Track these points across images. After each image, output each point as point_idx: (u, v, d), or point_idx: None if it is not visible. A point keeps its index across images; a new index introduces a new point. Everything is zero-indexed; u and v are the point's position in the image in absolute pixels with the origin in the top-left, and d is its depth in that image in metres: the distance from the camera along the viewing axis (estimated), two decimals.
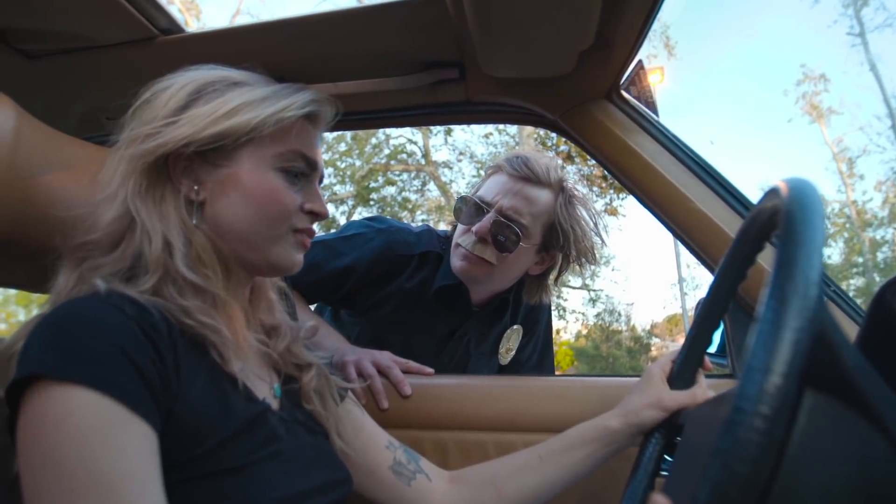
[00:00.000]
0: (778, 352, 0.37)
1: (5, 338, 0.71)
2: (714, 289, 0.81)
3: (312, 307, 1.45)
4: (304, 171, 0.78)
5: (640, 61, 1.09)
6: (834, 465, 0.42)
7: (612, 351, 15.63)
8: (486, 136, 13.42)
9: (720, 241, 1.05)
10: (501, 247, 1.26)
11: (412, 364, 1.20)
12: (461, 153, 13.60)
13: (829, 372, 0.44)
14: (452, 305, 1.38)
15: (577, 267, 1.35)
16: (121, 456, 0.55)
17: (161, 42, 1.06)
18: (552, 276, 1.40)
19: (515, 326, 1.49)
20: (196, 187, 0.74)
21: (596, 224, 1.32)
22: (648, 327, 16.98)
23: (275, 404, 0.76)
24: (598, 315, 15.47)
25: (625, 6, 0.90)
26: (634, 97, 1.14)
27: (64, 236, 0.70)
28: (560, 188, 1.27)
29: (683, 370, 0.89)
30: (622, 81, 1.10)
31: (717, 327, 0.85)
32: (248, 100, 0.74)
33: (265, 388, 0.76)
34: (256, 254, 0.76)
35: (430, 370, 1.19)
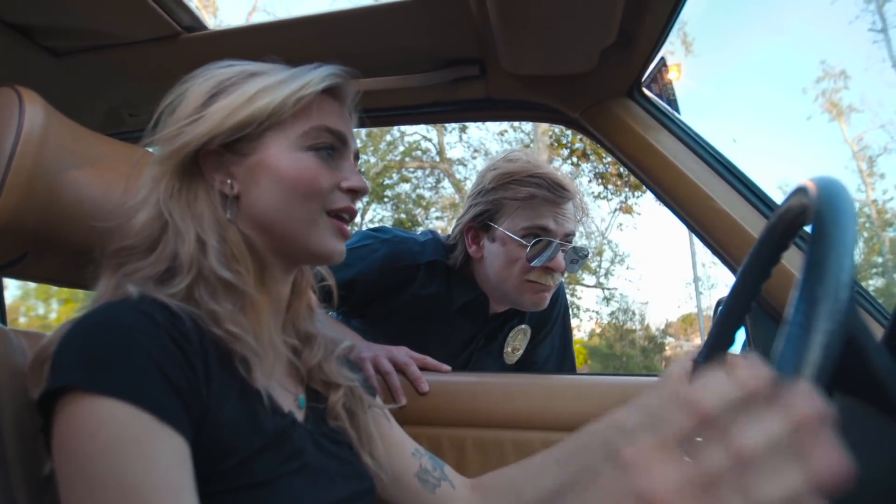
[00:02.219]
0: (808, 355, 0.37)
1: (42, 333, 0.72)
2: (737, 287, 0.80)
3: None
4: (333, 146, 0.76)
5: (662, 58, 1.09)
6: (864, 470, 0.42)
7: (626, 350, 15.54)
8: (501, 133, 13.40)
9: (742, 240, 1.04)
10: (569, 269, 1.29)
11: (429, 360, 1.19)
12: (476, 150, 13.59)
13: (858, 375, 0.44)
14: (471, 314, 1.39)
15: None
16: (153, 467, 0.55)
17: (184, 39, 1.07)
18: None
19: (522, 326, 1.47)
20: (229, 181, 0.73)
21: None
22: (663, 326, 16.85)
23: (300, 416, 0.75)
24: (612, 314, 15.40)
25: (648, 3, 0.89)
26: (656, 94, 1.13)
27: (102, 242, 0.70)
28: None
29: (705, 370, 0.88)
30: (644, 79, 1.10)
31: (739, 327, 0.84)
32: (265, 85, 0.73)
33: (290, 400, 0.75)
34: (294, 242, 0.74)
35: (447, 367, 1.19)
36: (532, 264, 1.24)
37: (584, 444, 0.91)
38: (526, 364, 1.50)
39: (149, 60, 1.11)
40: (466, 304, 1.36)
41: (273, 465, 0.65)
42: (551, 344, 1.54)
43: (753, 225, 1.04)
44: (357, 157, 0.81)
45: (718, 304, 1.26)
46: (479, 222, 1.31)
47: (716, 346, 0.88)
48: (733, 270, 1.08)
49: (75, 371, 0.57)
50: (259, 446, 0.64)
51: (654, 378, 1.16)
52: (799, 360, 0.37)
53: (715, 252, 1.10)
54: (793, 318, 0.39)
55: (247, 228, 0.73)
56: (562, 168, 12.97)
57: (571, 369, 1.59)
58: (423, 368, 1.18)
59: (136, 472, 0.54)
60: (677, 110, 1.14)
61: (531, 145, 12.76)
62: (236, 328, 0.66)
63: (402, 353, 1.19)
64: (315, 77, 0.75)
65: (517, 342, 1.47)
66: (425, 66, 1.12)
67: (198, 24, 1.07)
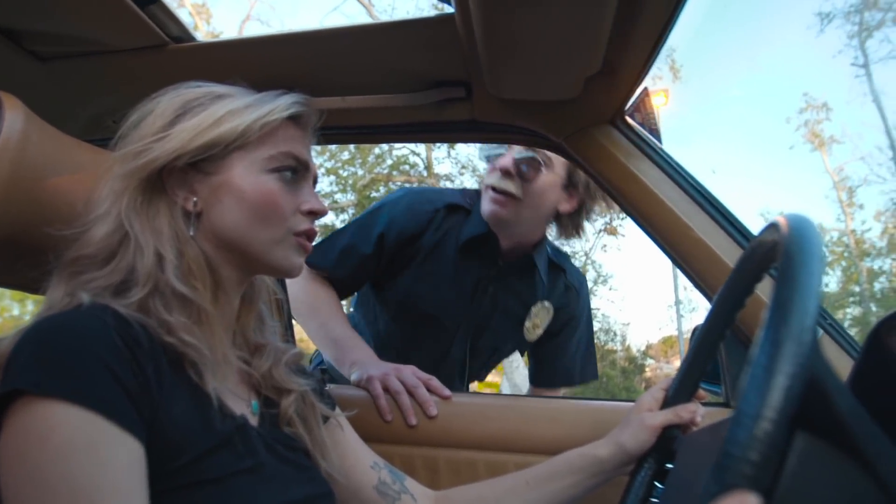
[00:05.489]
0: (769, 397, 0.38)
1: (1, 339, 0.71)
2: (711, 317, 0.81)
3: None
4: (296, 171, 0.79)
5: (645, 88, 1.10)
6: None
7: (607, 370, 15.57)
8: None
9: (719, 269, 1.05)
10: (525, 177, 1.32)
11: (434, 382, 1.19)
12: (463, 167, 13.63)
13: (821, 415, 0.44)
14: (479, 255, 1.41)
15: (601, 207, 1.41)
16: (105, 471, 0.56)
17: (171, 50, 1.07)
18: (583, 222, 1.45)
19: (546, 303, 1.49)
20: (193, 198, 0.75)
21: None
22: (644, 348, 16.94)
23: (253, 420, 0.76)
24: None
25: (633, 34, 0.91)
26: (639, 123, 1.14)
27: (57, 251, 0.71)
28: None
29: (677, 399, 0.89)
30: (627, 107, 1.11)
31: (713, 356, 0.85)
32: (232, 108, 0.76)
33: (242, 406, 0.76)
34: (256, 257, 0.77)
35: (448, 393, 1.18)
36: (490, 165, 1.36)
37: (557, 471, 0.91)
38: (554, 355, 1.54)
39: (135, 69, 1.10)
40: (474, 240, 1.39)
41: (224, 464, 0.65)
42: (578, 342, 1.56)
43: (730, 255, 1.05)
44: (316, 181, 0.84)
45: (695, 330, 1.28)
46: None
47: (688, 375, 0.89)
48: (709, 299, 1.09)
49: (26, 375, 0.57)
50: (210, 446, 0.65)
51: (626, 404, 1.16)
52: (761, 401, 0.38)
53: (692, 280, 1.11)
54: (757, 358, 0.40)
55: (206, 244, 0.75)
56: None
57: (593, 374, 1.60)
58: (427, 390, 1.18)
59: (89, 475, 0.55)
60: (659, 139, 1.15)
61: None
62: (190, 337, 0.68)
63: (409, 373, 1.19)
64: (281, 104, 0.78)
65: (539, 318, 1.50)
66: (412, 86, 1.12)
67: (186, 35, 1.07)
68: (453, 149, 13.01)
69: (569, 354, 1.56)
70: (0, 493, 0.56)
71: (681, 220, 1.08)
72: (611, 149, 1.13)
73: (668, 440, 0.86)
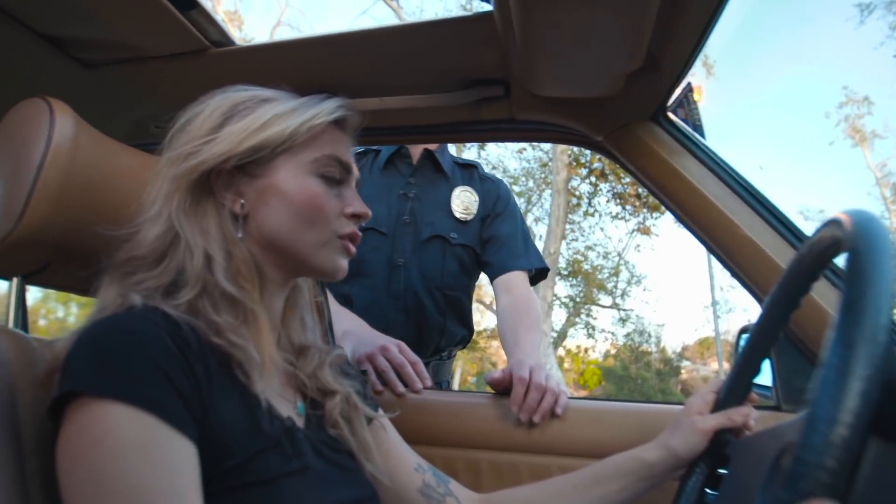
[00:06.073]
0: (845, 401, 0.36)
1: (55, 340, 0.73)
2: (764, 317, 0.78)
3: None
4: (339, 176, 0.81)
5: (689, 83, 1.08)
6: None
7: (641, 372, 15.37)
8: (520, 151, 13.43)
9: (768, 268, 1.02)
10: None
11: (419, 367, 1.25)
12: (494, 167, 13.62)
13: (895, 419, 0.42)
14: (397, 166, 1.70)
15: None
16: (160, 471, 0.56)
17: (212, 54, 1.08)
18: None
19: (466, 188, 1.69)
20: (240, 200, 0.77)
21: None
22: (679, 350, 16.67)
23: (300, 422, 0.76)
24: (627, 335, 15.26)
25: (677, 26, 0.89)
26: (682, 119, 1.12)
27: (108, 253, 0.73)
28: None
29: (728, 402, 0.86)
30: (670, 103, 1.09)
31: (766, 357, 0.83)
32: (279, 112, 0.77)
33: (289, 407, 0.77)
34: (301, 259, 0.78)
35: (420, 386, 1.22)
36: None
37: (604, 474, 0.89)
38: (498, 242, 1.66)
39: (177, 74, 1.12)
40: (392, 156, 1.70)
41: (274, 466, 0.66)
42: (515, 227, 1.69)
43: (780, 253, 1.02)
44: (358, 184, 0.85)
45: (742, 331, 1.24)
46: None
47: (740, 377, 0.87)
48: (758, 298, 1.06)
49: (83, 377, 0.58)
50: (259, 447, 0.65)
51: (674, 407, 1.13)
52: (836, 405, 0.36)
53: (739, 279, 1.08)
54: (828, 360, 0.38)
55: (253, 246, 0.77)
56: (580, 187, 12.97)
57: (540, 260, 1.70)
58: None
59: (145, 476, 0.56)
60: (702, 135, 1.12)
61: (549, 164, 12.76)
62: (237, 338, 0.69)
63: (397, 351, 1.25)
64: (326, 108, 0.80)
65: (462, 200, 1.68)
66: (449, 86, 1.12)
67: (226, 39, 1.08)
68: (483, 149, 13.01)
69: (512, 238, 1.67)
70: (60, 493, 0.57)
71: (727, 218, 1.05)
72: (653, 146, 1.10)
73: (721, 444, 0.83)
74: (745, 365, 0.84)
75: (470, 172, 1.75)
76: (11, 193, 0.77)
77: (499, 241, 1.66)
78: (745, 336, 1.25)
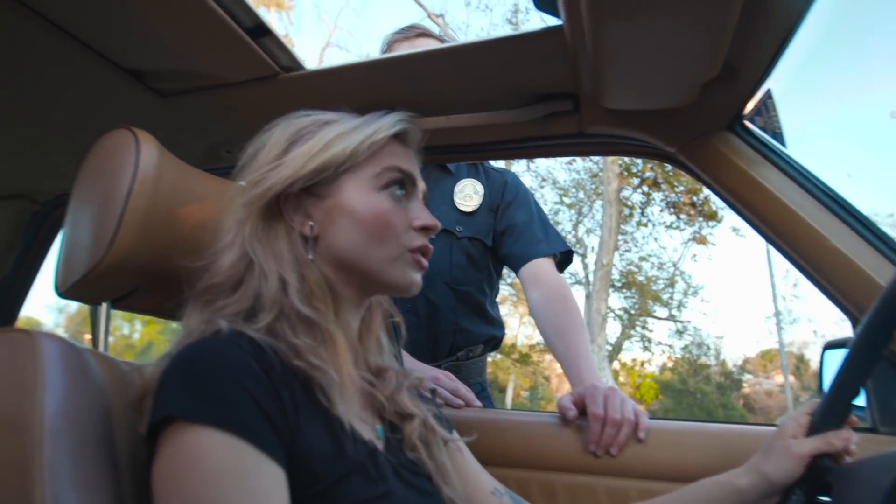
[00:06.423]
0: None
1: (144, 365, 0.75)
2: (863, 334, 0.74)
3: None
4: (404, 183, 0.81)
5: (768, 90, 1.03)
6: None
7: (701, 386, 14.89)
8: (569, 162, 13.28)
9: (862, 282, 0.95)
10: None
11: (462, 391, 1.28)
12: (543, 179, 13.53)
13: None
14: None
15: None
16: (253, 498, 0.57)
17: (282, 79, 1.10)
18: None
19: (471, 180, 1.64)
20: (310, 222, 0.78)
21: None
22: (740, 362, 16.07)
23: (380, 445, 0.76)
24: (685, 348, 14.81)
25: (758, 32, 0.85)
26: (760, 127, 1.07)
27: (190, 281, 0.75)
28: None
29: (825, 424, 0.81)
30: (747, 111, 1.04)
31: (868, 377, 0.77)
32: (340, 132, 0.79)
33: (368, 430, 0.76)
34: (374, 276, 0.79)
35: (466, 404, 1.25)
36: None
37: (692, 500, 0.86)
38: (516, 232, 1.60)
39: (248, 99, 1.15)
40: None
41: (358, 491, 0.66)
42: (530, 215, 1.62)
43: (874, 267, 0.96)
44: (426, 198, 0.86)
45: (827, 346, 1.18)
46: None
47: (837, 398, 0.81)
48: (849, 314, 1.00)
49: (176, 402, 0.60)
50: (344, 472, 0.65)
51: (759, 428, 1.08)
52: None
53: (828, 295, 1.02)
54: None
55: (325, 266, 0.78)
56: (632, 197, 12.73)
57: (562, 243, 1.62)
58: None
59: (238, 501, 0.56)
60: (783, 143, 1.08)
61: (600, 174, 12.59)
62: (317, 360, 0.69)
63: (446, 379, 1.29)
64: (386, 123, 0.81)
65: (467, 192, 1.63)
66: (517, 102, 1.10)
67: (295, 64, 1.10)
68: (532, 162, 12.94)
69: (528, 226, 1.60)
70: None
71: (814, 230, 0.99)
72: (730, 156, 1.06)
73: (820, 470, 0.78)
74: (844, 385, 0.79)
75: (475, 166, 1.72)
76: (102, 222, 0.80)
77: (516, 231, 1.60)
78: (829, 352, 1.19)
